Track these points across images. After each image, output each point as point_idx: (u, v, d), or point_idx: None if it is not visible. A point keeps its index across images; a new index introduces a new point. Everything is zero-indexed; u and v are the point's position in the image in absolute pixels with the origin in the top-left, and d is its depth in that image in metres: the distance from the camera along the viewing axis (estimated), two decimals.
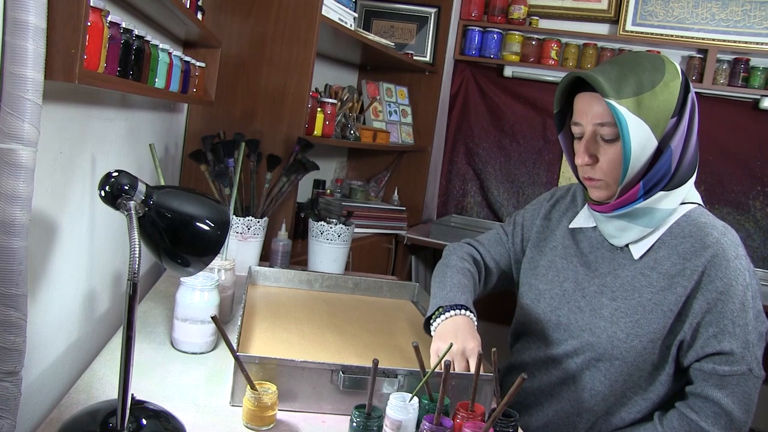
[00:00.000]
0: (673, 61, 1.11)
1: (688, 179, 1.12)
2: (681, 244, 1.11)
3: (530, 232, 1.34)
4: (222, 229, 0.86)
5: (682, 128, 1.08)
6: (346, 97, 2.46)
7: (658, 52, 2.70)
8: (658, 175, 1.08)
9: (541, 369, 1.22)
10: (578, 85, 1.12)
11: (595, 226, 1.21)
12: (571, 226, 1.25)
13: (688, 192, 1.14)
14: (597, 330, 1.14)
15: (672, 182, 1.10)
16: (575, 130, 1.13)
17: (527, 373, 1.22)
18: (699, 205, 1.17)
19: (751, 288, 1.08)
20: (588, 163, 1.11)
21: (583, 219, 1.24)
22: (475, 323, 1.18)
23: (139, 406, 0.81)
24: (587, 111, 1.09)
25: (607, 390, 1.14)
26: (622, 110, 1.03)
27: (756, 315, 1.08)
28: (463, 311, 1.17)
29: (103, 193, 0.77)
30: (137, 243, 0.73)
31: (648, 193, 1.09)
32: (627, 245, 1.15)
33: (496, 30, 2.90)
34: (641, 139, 1.05)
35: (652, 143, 1.06)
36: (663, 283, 1.10)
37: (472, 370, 1.06)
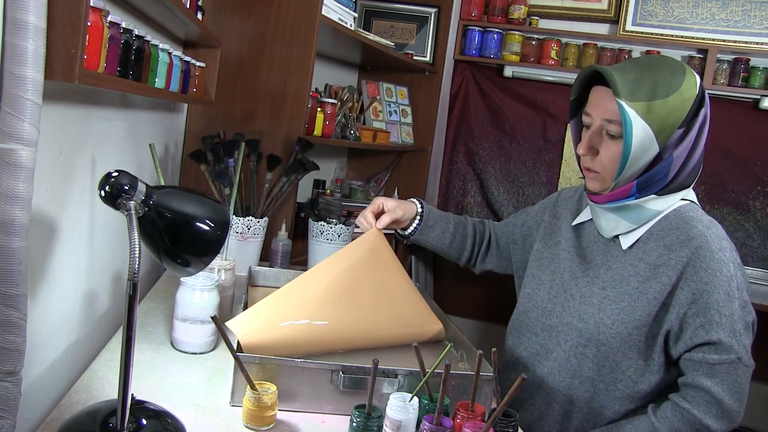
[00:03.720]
0: (695, 73, 1.13)
1: (687, 187, 1.16)
2: (667, 236, 1.14)
3: (533, 222, 1.42)
4: (222, 229, 0.86)
5: (688, 140, 1.10)
6: (346, 97, 2.46)
7: (658, 52, 2.71)
8: (653, 180, 1.12)
9: (534, 362, 1.25)
10: (597, 78, 1.15)
11: (592, 219, 1.26)
12: (573, 223, 1.30)
13: (683, 197, 1.18)
14: (585, 316, 1.17)
15: (667, 188, 1.13)
16: (585, 120, 1.17)
17: (522, 368, 1.25)
18: (692, 202, 1.19)
19: (736, 279, 1.10)
20: (586, 154, 1.16)
21: (585, 215, 1.29)
22: (417, 207, 1.45)
23: (139, 406, 0.81)
24: (599, 105, 1.13)
25: (595, 375, 1.16)
26: (631, 112, 1.06)
27: (742, 305, 1.10)
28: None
29: (103, 193, 0.77)
30: (137, 243, 0.73)
31: (640, 192, 1.13)
32: (617, 237, 1.20)
33: (496, 30, 2.90)
34: (644, 142, 1.08)
35: (654, 148, 1.09)
36: (648, 272, 1.13)
37: (381, 223, 1.34)
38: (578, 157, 1.21)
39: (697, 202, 1.20)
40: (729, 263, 1.10)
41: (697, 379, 1.09)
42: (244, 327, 1.08)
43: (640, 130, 1.06)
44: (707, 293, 1.08)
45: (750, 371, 1.09)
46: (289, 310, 1.14)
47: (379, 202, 1.38)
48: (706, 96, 1.13)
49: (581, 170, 1.21)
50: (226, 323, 1.06)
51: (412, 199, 1.46)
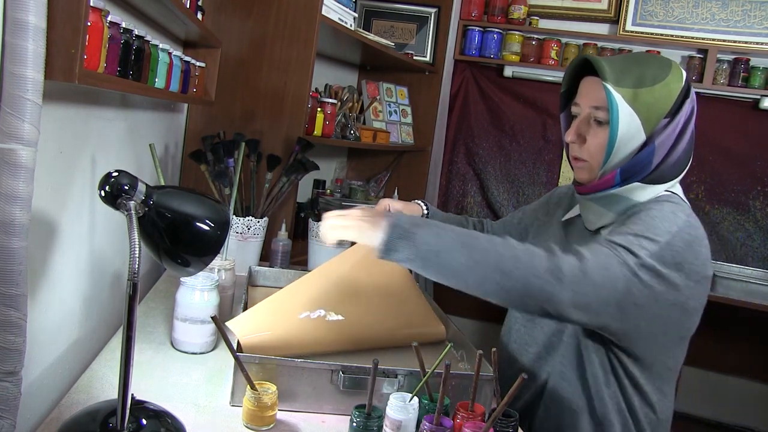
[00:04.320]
0: (682, 68, 1.13)
1: (671, 179, 1.14)
2: None
3: (529, 219, 1.44)
4: (222, 229, 0.86)
5: (670, 129, 1.10)
6: (346, 97, 2.46)
7: (658, 53, 2.71)
8: (636, 167, 1.11)
9: (522, 352, 1.25)
10: (587, 70, 1.16)
11: (581, 214, 1.26)
12: (563, 218, 1.31)
13: (668, 189, 1.15)
14: None
15: (650, 177, 1.12)
16: (574, 110, 1.19)
17: (512, 360, 1.25)
18: (674, 194, 1.16)
19: (684, 237, 1.04)
20: (574, 141, 1.16)
21: (575, 210, 1.29)
22: (423, 209, 1.44)
23: (139, 406, 0.81)
24: (588, 94, 1.14)
25: (573, 351, 1.15)
26: (617, 97, 1.07)
27: (693, 262, 1.04)
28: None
29: (103, 193, 0.77)
30: (137, 243, 0.73)
31: (624, 181, 1.12)
32: (599, 229, 1.19)
33: (496, 30, 2.90)
34: (630, 129, 1.09)
35: (641, 136, 1.10)
36: None
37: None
38: (567, 148, 1.21)
39: (681, 195, 1.17)
40: (678, 225, 1.05)
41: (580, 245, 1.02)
42: (244, 327, 1.08)
43: (626, 116, 1.08)
44: (640, 218, 1.05)
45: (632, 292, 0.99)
46: (291, 310, 1.14)
47: (386, 203, 1.39)
48: (692, 91, 1.13)
49: (569, 161, 1.21)
50: (227, 323, 1.06)
51: (416, 201, 1.47)
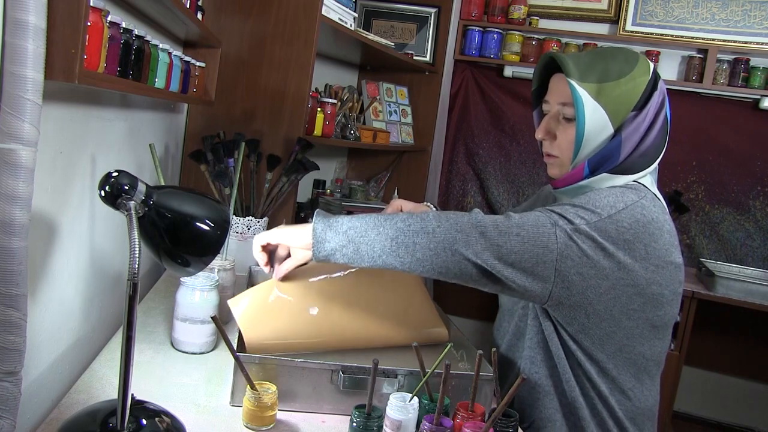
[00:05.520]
0: (649, 61, 1.14)
1: (641, 170, 1.14)
2: None
3: None
4: (222, 229, 0.86)
5: (637, 122, 1.10)
6: (346, 97, 2.46)
7: (658, 53, 2.71)
8: (603, 158, 1.12)
9: (501, 342, 1.26)
10: (557, 66, 1.17)
11: None
12: None
13: (639, 180, 1.15)
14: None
15: (619, 168, 1.12)
16: (544, 107, 1.20)
17: (497, 350, 1.25)
18: (641, 184, 1.15)
19: (634, 216, 1.05)
20: (545, 138, 1.18)
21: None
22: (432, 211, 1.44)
23: (139, 406, 0.81)
24: (556, 91, 1.16)
25: (538, 335, 1.17)
26: (582, 92, 1.09)
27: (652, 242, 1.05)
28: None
29: (103, 193, 0.77)
30: (137, 243, 0.73)
31: (593, 173, 1.13)
32: None
33: (496, 30, 2.90)
34: (597, 123, 1.09)
35: (608, 130, 1.10)
36: None
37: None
38: (541, 145, 1.22)
39: (649, 185, 1.16)
40: (618, 203, 1.06)
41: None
42: (245, 313, 1.08)
43: (591, 110, 1.09)
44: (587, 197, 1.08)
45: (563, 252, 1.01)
46: (295, 304, 1.14)
47: (397, 204, 1.40)
48: (661, 83, 1.13)
49: (543, 158, 1.22)
50: (228, 300, 1.09)
51: (426, 203, 1.48)
